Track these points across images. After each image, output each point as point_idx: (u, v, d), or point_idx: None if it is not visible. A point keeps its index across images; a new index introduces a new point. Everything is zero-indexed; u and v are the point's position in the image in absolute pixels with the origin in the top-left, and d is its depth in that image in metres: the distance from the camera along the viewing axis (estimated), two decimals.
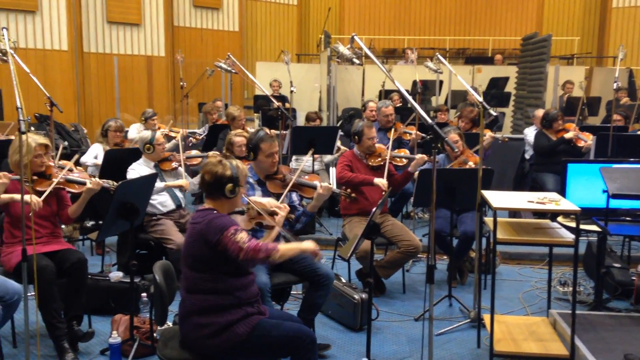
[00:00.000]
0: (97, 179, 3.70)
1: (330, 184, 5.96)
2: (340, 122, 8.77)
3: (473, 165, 4.95)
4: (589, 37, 15.10)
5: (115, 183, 3.77)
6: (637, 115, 7.57)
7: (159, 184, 4.50)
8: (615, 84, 6.15)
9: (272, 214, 3.17)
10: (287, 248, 2.75)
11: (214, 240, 2.57)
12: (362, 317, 3.99)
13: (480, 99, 4.06)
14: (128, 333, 3.51)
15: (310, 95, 11.08)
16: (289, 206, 3.68)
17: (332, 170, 6.99)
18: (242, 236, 2.58)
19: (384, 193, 4.47)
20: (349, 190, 3.89)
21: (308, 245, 2.82)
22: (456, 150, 4.80)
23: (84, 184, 3.69)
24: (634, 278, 4.40)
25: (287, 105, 8.27)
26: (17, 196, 3.41)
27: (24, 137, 2.86)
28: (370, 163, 4.78)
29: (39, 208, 3.45)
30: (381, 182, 4.57)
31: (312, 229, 6.13)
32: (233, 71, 7.03)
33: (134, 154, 4.84)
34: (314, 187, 3.67)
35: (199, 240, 2.60)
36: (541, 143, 6.17)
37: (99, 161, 5.30)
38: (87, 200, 3.70)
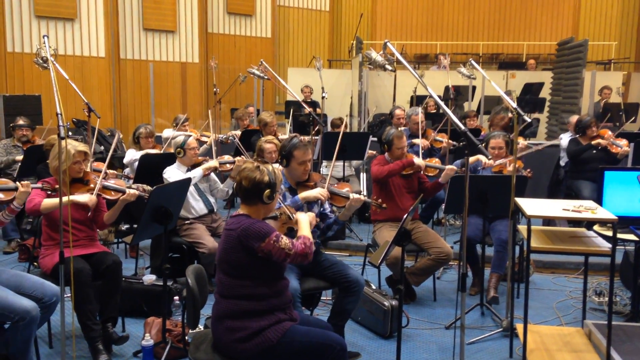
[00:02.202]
0: (133, 190, 3.76)
1: (361, 190, 5.97)
2: (369, 126, 8.76)
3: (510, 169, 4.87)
4: (626, 42, 14.76)
5: (150, 188, 3.83)
6: None
7: (195, 172, 4.61)
8: None
9: None
10: (307, 230, 2.89)
11: (255, 247, 2.59)
12: (392, 324, 3.97)
13: (514, 104, 4.01)
14: (160, 336, 3.56)
15: (342, 101, 11.10)
16: (321, 214, 3.71)
17: (363, 176, 7.00)
18: (286, 242, 2.65)
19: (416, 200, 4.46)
20: (380, 200, 3.89)
21: (310, 219, 2.99)
22: (489, 157, 4.74)
23: (122, 192, 3.76)
24: None
25: (318, 110, 8.32)
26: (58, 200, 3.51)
27: (62, 142, 2.94)
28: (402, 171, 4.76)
29: (94, 204, 3.61)
30: (420, 163, 4.64)
31: (342, 235, 6.14)
32: (266, 77, 7.08)
33: (169, 159, 4.92)
34: (346, 197, 3.68)
35: (236, 246, 2.62)
36: (570, 148, 6.11)
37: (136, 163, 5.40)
38: (121, 208, 3.77)
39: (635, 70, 13.62)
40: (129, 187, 3.82)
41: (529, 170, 4.83)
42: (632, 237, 3.85)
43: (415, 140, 6.12)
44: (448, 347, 3.75)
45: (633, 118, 8.75)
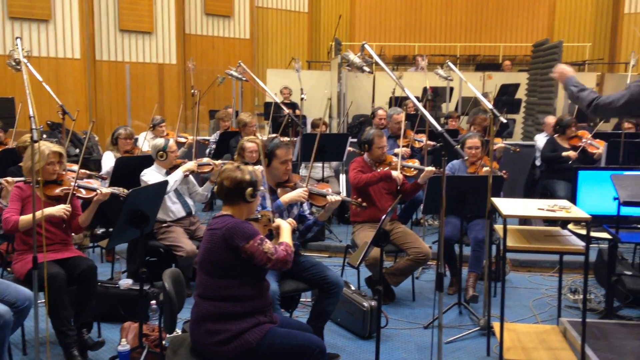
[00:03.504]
0: (106, 190, 3.72)
1: (340, 191, 5.97)
2: (348, 127, 8.78)
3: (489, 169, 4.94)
4: (600, 43, 15.00)
5: (125, 191, 3.79)
6: None
7: (176, 175, 4.55)
8: None
9: None
10: (288, 237, 2.92)
11: (240, 246, 2.60)
12: (372, 324, 3.98)
13: (491, 105, 4.05)
14: (137, 340, 3.52)
15: (321, 102, 11.09)
16: (300, 215, 3.72)
17: (342, 177, 7.01)
18: (269, 246, 2.66)
19: (394, 200, 4.48)
20: (359, 199, 3.91)
21: (289, 225, 3.02)
22: (466, 157, 4.81)
23: (94, 189, 3.72)
24: None
25: (297, 112, 8.32)
26: (37, 214, 3.42)
27: (36, 144, 2.90)
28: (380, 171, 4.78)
29: (68, 214, 3.53)
30: (398, 176, 4.62)
31: (321, 236, 6.14)
32: (244, 79, 7.08)
33: (146, 162, 4.87)
34: (325, 196, 3.70)
35: (220, 245, 2.62)
36: (546, 151, 6.20)
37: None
38: (96, 209, 3.72)
39: (608, 71, 13.86)
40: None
41: (504, 171, 4.89)
42: (605, 235, 3.91)
43: (397, 150, 6.11)
44: (427, 346, 3.76)
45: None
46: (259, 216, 3.05)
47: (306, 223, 3.72)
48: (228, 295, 2.64)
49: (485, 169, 4.96)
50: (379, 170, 4.66)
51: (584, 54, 14.77)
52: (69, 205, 3.56)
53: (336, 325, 4.21)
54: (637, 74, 10.84)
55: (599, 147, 5.97)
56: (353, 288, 4.31)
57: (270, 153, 3.65)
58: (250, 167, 2.83)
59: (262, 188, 3.63)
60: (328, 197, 3.68)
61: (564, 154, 5.99)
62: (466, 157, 4.85)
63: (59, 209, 3.51)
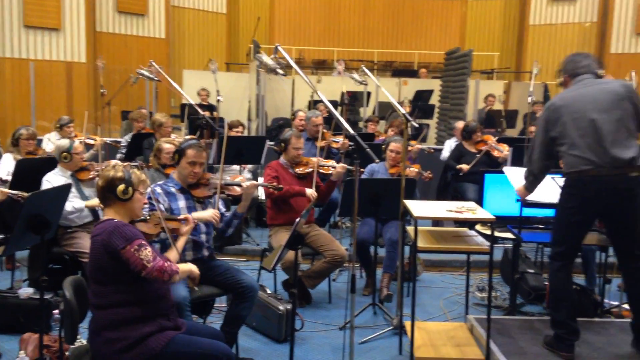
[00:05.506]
0: (2, 188, 3.49)
1: (258, 195, 5.90)
2: (267, 131, 8.76)
3: (415, 171, 5.12)
4: (507, 53, 15.80)
5: (25, 194, 3.57)
6: None
7: (79, 203, 4.30)
8: (530, 98, 6.48)
9: (178, 221, 3.21)
10: (182, 270, 2.76)
11: (118, 249, 2.50)
12: (287, 328, 3.97)
13: (404, 111, 4.16)
14: (37, 352, 3.32)
15: (240, 105, 10.99)
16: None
17: (260, 180, 6.95)
18: (147, 253, 2.54)
19: (310, 202, 4.50)
20: (275, 182, 3.90)
21: (192, 267, 2.89)
22: (377, 160, 4.93)
23: None
24: (546, 283, 4.59)
25: (214, 114, 8.18)
26: None
27: None
28: (297, 171, 4.79)
29: None
30: (312, 193, 4.61)
31: (238, 240, 6.07)
32: (155, 79, 6.87)
33: (49, 164, 4.61)
34: (240, 185, 3.70)
35: (101, 250, 2.52)
36: (451, 158, 6.52)
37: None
38: None
39: (515, 79, 14.62)
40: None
41: (429, 172, 5.05)
42: (510, 235, 4.11)
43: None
44: (341, 347, 3.77)
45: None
46: (147, 217, 2.99)
47: (225, 218, 3.66)
48: (123, 300, 2.55)
49: (409, 169, 5.10)
50: (295, 188, 4.64)
51: (493, 62, 15.51)
52: None
53: (252, 329, 4.16)
54: (540, 83, 11.52)
55: (503, 151, 6.27)
56: (269, 291, 4.27)
57: (180, 151, 3.57)
58: (131, 170, 2.74)
59: (172, 189, 3.55)
60: (243, 185, 3.66)
61: (458, 167, 6.29)
62: (377, 160, 4.97)
63: None
